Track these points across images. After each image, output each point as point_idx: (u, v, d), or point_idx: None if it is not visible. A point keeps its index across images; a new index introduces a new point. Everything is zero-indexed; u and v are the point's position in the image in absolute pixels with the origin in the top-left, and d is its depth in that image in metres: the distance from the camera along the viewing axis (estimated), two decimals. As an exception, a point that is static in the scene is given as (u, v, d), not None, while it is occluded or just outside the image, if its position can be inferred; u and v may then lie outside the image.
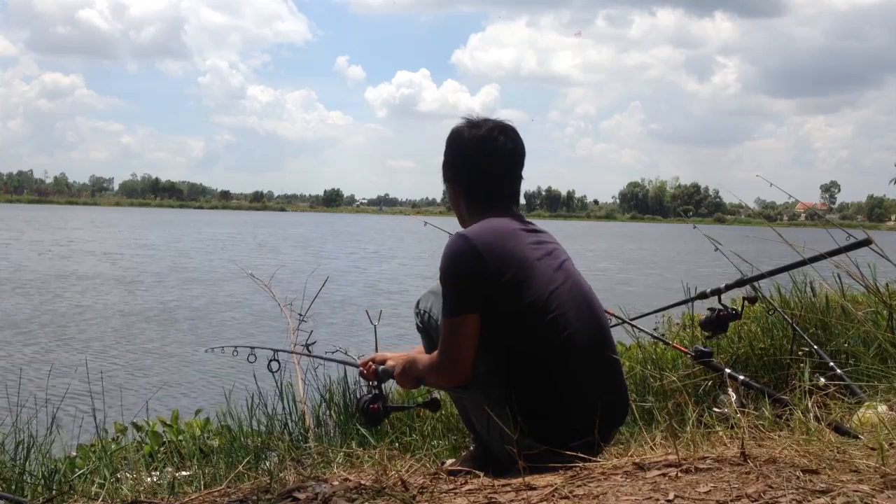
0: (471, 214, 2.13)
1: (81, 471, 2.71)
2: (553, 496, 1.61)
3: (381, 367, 2.23)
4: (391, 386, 3.70)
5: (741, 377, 2.63)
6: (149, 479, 2.51)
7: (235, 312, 13.13)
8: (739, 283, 2.97)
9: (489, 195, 2.12)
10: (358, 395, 2.74)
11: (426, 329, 2.20)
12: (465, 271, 1.93)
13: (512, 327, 1.94)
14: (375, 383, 2.26)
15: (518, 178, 2.16)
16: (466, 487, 1.79)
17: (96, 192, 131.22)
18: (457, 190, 2.16)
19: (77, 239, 32.91)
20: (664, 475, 1.67)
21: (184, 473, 2.66)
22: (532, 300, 1.93)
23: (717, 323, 2.84)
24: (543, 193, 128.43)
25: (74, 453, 3.11)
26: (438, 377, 2.02)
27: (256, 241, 36.00)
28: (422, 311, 2.20)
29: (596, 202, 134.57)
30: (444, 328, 1.96)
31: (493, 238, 1.96)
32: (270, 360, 3.17)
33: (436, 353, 2.00)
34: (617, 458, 1.89)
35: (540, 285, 1.94)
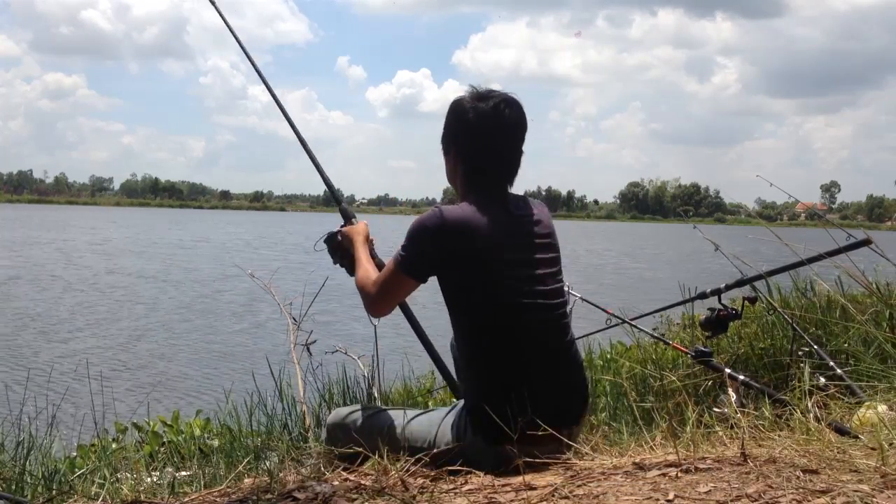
0: (467, 189, 2.12)
1: (81, 471, 2.71)
2: (553, 496, 1.61)
3: (347, 235, 2.40)
4: (392, 384, 3.70)
5: (741, 377, 2.63)
6: (149, 479, 2.51)
7: (253, 312, 13.13)
8: (739, 283, 2.97)
9: (489, 171, 2.10)
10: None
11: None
12: (425, 245, 2.01)
13: (471, 312, 2.03)
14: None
15: (520, 153, 2.15)
16: (466, 487, 1.79)
17: (96, 192, 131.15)
18: (457, 163, 2.14)
19: (114, 238, 33.34)
20: (664, 475, 1.67)
21: (184, 473, 2.65)
22: (483, 295, 2.00)
23: (717, 323, 2.84)
24: (543, 193, 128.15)
25: (74, 453, 3.11)
26: (362, 298, 2.16)
27: (287, 241, 35.97)
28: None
29: (596, 202, 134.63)
30: (388, 271, 2.08)
31: (466, 225, 1.97)
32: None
33: (373, 280, 2.13)
34: (617, 458, 1.89)
35: (510, 282, 2.00)
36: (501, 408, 1.90)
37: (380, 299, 2.11)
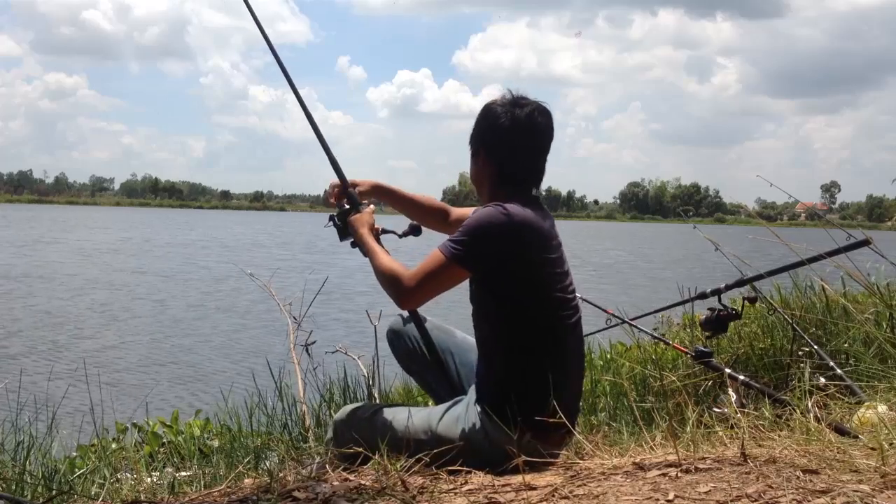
0: (499, 192, 2.15)
1: (81, 471, 2.71)
2: (553, 496, 1.61)
3: (353, 226, 2.36)
4: (392, 384, 3.70)
5: (741, 377, 2.63)
6: (149, 479, 2.51)
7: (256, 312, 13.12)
8: (739, 283, 2.97)
9: (521, 176, 2.18)
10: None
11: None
12: (491, 241, 2.03)
13: (519, 306, 2.06)
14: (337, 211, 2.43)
15: (546, 159, 2.23)
16: (466, 487, 1.79)
17: (96, 192, 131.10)
18: (488, 166, 2.19)
19: (127, 238, 33.61)
20: (664, 475, 1.67)
21: (184, 473, 2.65)
22: (534, 291, 2.06)
23: (718, 323, 2.84)
24: (544, 193, 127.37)
25: (74, 453, 3.11)
26: (394, 288, 2.12)
27: (298, 241, 35.97)
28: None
29: (596, 202, 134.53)
30: (436, 262, 2.05)
31: (528, 225, 2.04)
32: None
33: (407, 270, 2.11)
34: (617, 458, 1.89)
35: (552, 282, 2.08)
36: (527, 400, 1.97)
37: (421, 289, 2.09)
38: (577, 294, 2.18)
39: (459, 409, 2.11)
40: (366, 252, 2.29)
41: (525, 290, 2.05)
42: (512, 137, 2.14)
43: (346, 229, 2.42)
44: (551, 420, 1.89)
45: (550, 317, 2.07)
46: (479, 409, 2.05)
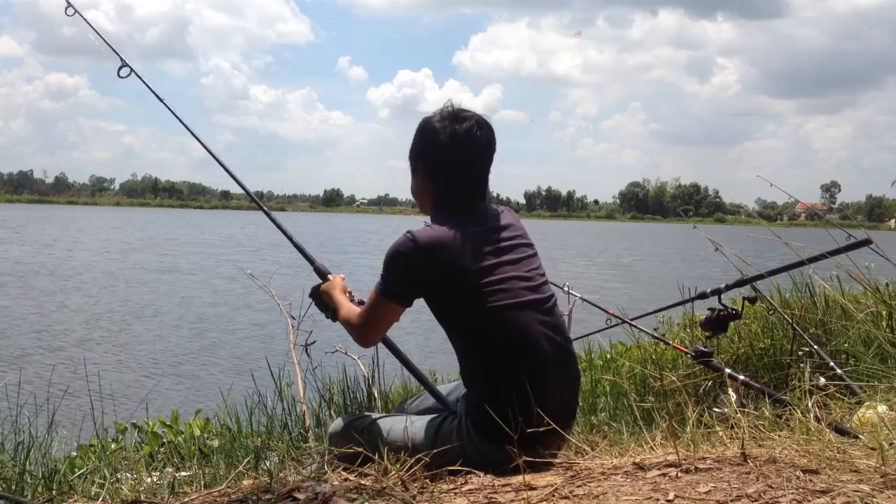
0: (440, 207, 2.15)
1: (81, 471, 2.71)
2: (553, 496, 1.61)
3: (325, 291, 2.39)
4: (392, 384, 3.70)
5: (741, 377, 2.63)
6: (149, 479, 2.51)
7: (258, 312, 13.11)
8: (739, 283, 2.97)
9: (459, 191, 2.14)
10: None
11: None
12: (403, 270, 2.04)
13: (464, 323, 2.06)
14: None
15: (488, 172, 2.18)
16: (466, 487, 1.79)
17: (96, 192, 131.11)
18: (427, 182, 2.16)
19: (136, 238, 33.40)
20: (664, 475, 1.67)
21: (184, 473, 2.65)
22: (471, 304, 2.02)
23: (718, 323, 2.84)
24: (544, 193, 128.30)
25: (74, 453, 3.11)
26: (350, 331, 2.23)
27: (311, 242, 36.01)
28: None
29: (596, 202, 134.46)
30: (371, 301, 2.12)
31: (438, 245, 2.00)
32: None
33: (357, 313, 2.19)
34: (617, 458, 1.88)
35: (486, 294, 2.01)
36: (505, 409, 1.91)
37: (367, 329, 2.16)
38: (539, 294, 2.08)
39: (455, 423, 2.08)
40: (336, 311, 2.32)
41: (462, 308, 2.03)
42: (451, 153, 2.10)
43: (322, 302, 2.42)
44: (541, 429, 1.86)
45: (500, 329, 2.00)
46: (470, 425, 2.03)
